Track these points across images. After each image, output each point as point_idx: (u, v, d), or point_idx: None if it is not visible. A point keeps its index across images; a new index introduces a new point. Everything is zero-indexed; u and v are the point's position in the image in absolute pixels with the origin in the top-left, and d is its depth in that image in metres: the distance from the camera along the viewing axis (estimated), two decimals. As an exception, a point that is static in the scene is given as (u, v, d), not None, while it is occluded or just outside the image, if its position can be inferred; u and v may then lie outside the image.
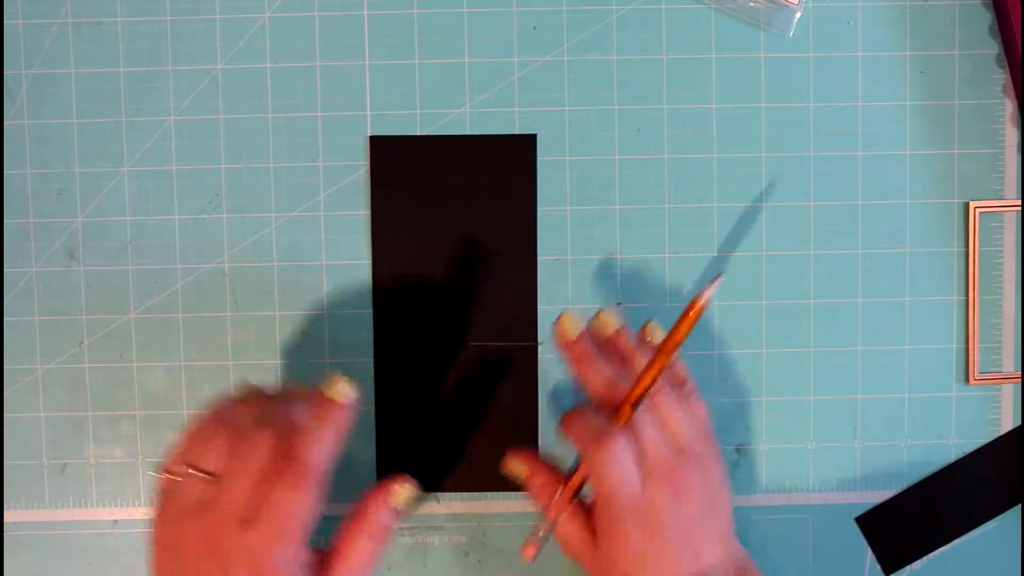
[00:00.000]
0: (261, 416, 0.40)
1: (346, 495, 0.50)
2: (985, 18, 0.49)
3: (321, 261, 0.49)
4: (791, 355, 0.49)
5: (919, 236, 0.49)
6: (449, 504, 0.50)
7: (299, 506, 0.38)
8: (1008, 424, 0.50)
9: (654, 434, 0.42)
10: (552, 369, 0.49)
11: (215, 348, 0.49)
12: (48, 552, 0.49)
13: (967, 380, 0.50)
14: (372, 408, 0.49)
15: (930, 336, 0.50)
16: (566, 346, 0.45)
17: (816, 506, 0.50)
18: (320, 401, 0.41)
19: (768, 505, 0.50)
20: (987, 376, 0.50)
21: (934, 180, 0.49)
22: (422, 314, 0.48)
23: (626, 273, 0.49)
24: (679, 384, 0.44)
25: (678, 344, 0.42)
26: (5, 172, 0.49)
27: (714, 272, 0.49)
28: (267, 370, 0.49)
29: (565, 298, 0.49)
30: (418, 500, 0.47)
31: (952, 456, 0.50)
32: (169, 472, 0.39)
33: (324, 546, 0.41)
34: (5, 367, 0.49)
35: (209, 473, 0.39)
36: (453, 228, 0.48)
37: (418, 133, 0.49)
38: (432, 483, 0.49)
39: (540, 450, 0.49)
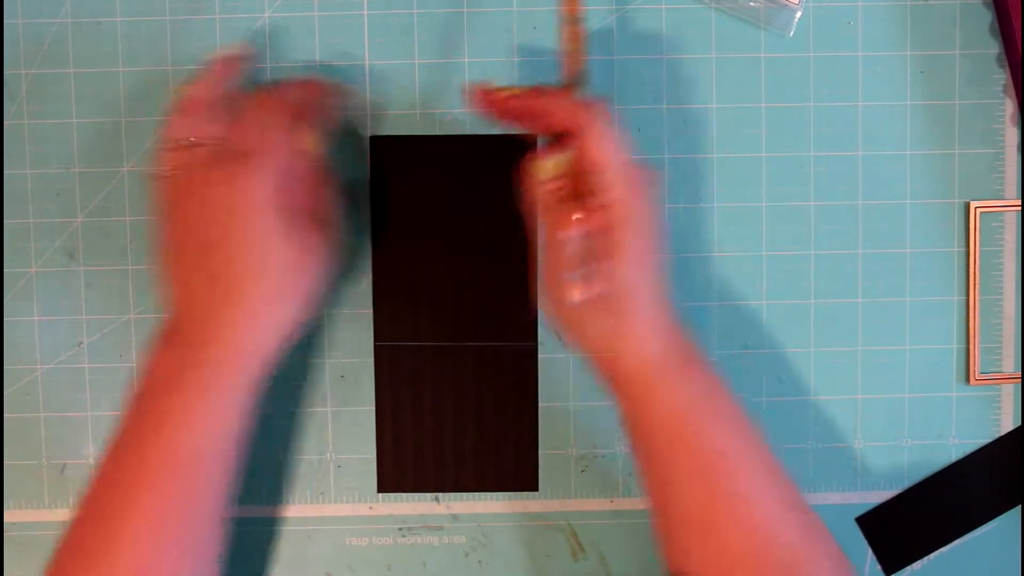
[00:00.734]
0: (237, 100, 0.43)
1: (348, 497, 0.50)
2: (985, 18, 0.49)
3: (321, 261, 0.49)
4: (791, 355, 0.49)
5: (919, 236, 0.49)
6: (449, 504, 0.50)
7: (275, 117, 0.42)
8: (1008, 424, 0.50)
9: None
10: (552, 369, 0.49)
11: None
12: (48, 552, 0.49)
13: (967, 380, 0.50)
14: (372, 408, 0.49)
15: (930, 336, 0.50)
16: (487, 99, 0.43)
17: (816, 506, 0.49)
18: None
19: (768, 505, 0.50)
20: (987, 376, 0.50)
21: (934, 180, 0.49)
22: (422, 314, 0.48)
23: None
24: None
25: (575, 13, 0.41)
26: (5, 172, 0.49)
27: None
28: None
29: (565, 298, 0.49)
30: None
31: (952, 456, 0.50)
32: (173, 145, 0.42)
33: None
34: (5, 367, 0.49)
35: (201, 139, 0.42)
36: (453, 228, 0.48)
37: (418, 133, 0.49)
38: (432, 484, 0.49)
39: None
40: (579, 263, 0.40)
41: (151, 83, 0.48)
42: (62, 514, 0.49)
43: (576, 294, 0.40)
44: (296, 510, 0.49)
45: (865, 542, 0.50)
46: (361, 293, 0.49)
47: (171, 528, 0.40)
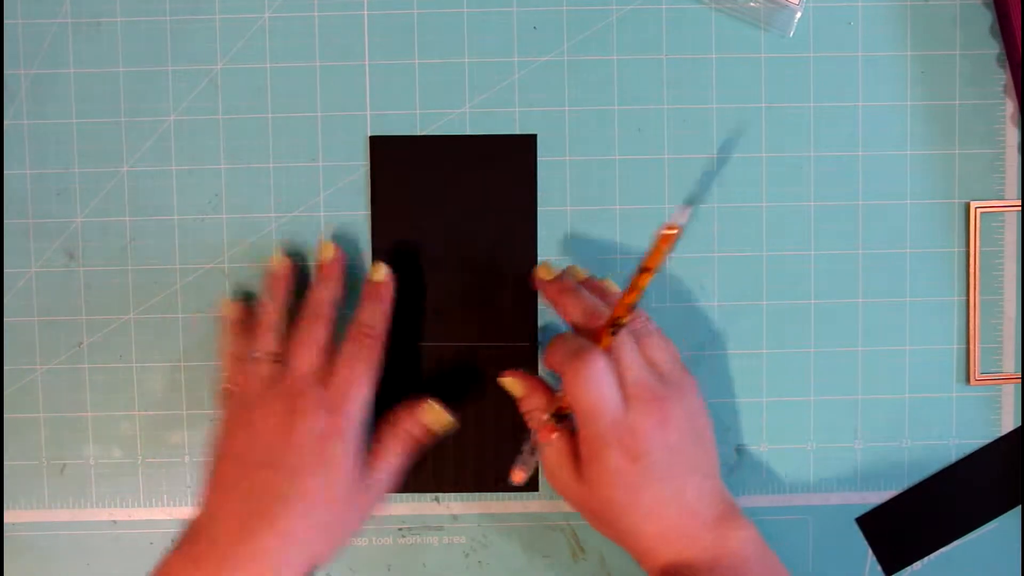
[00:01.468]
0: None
1: (346, 495, 0.50)
2: (985, 18, 0.49)
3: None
4: (791, 355, 0.49)
5: (919, 236, 0.49)
6: (449, 504, 0.50)
7: (367, 364, 0.44)
8: (1009, 424, 0.50)
9: (635, 359, 0.42)
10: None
11: (214, 348, 0.49)
12: (48, 552, 0.49)
13: (968, 380, 0.50)
14: (373, 408, 0.49)
15: (931, 336, 0.50)
16: (544, 285, 0.46)
17: (816, 506, 0.50)
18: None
19: (768, 505, 0.50)
20: (988, 376, 0.50)
21: (934, 180, 0.49)
22: (422, 314, 0.48)
23: (626, 273, 0.49)
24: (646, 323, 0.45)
25: (654, 267, 0.42)
26: (5, 172, 0.49)
27: (689, 203, 0.48)
28: (267, 370, 0.49)
29: (565, 298, 0.49)
30: (447, 428, 0.46)
31: (952, 457, 0.50)
32: (235, 360, 0.45)
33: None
34: (5, 367, 0.49)
35: (275, 354, 0.44)
36: (453, 228, 0.48)
37: (418, 133, 0.49)
38: (433, 484, 0.49)
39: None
40: (522, 456, 0.46)
41: (151, 83, 0.48)
42: (62, 514, 0.49)
43: (516, 479, 0.46)
44: (296, 510, 0.49)
45: (865, 543, 0.50)
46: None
47: None
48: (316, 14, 0.48)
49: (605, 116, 0.49)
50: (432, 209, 0.48)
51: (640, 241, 0.49)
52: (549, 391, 0.45)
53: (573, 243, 0.49)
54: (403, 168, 0.48)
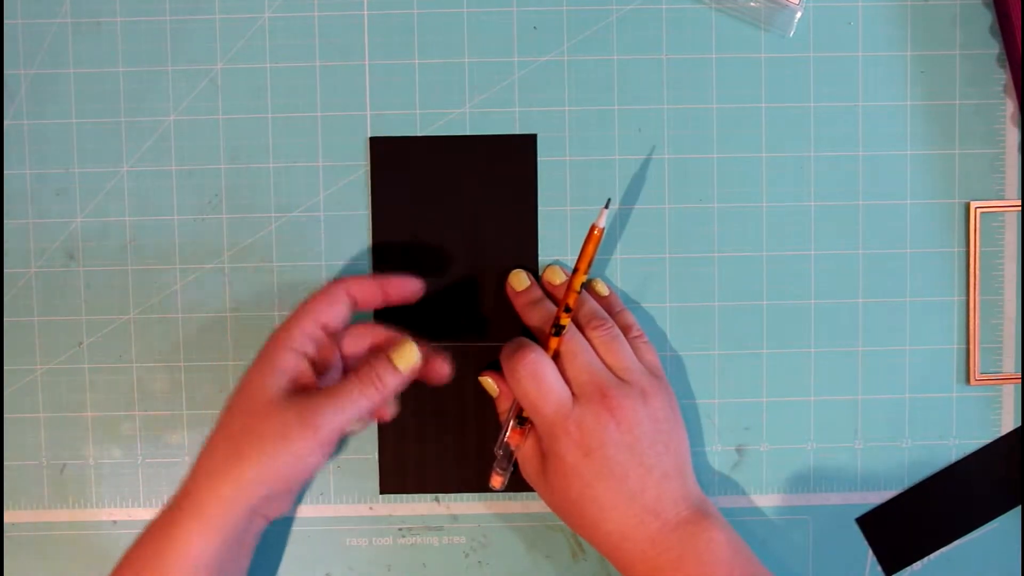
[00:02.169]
0: None
1: (348, 498, 0.50)
2: (985, 18, 0.49)
3: (321, 261, 0.49)
4: (791, 355, 0.49)
5: (919, 236, 0.49)
6: (449, 504, 0.50)
7: (317, 298, 0.43)
8: (1009, 424, 0.50)
9: (584, 358, 0.44)
10: None
11: (215, 348, 0.49)
12: (48, 552, 0.49)
13: (968, 380, 0.50)
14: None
15: (931, 336, 0.50)
16: (513, 296, 0.48)
17: (816, 506, 0.50)
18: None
19: (768, 505, 0.50)
20: (988, 377, 0.50)
21: (934, 180, 0.49)
22: (422, 314, 0.48)
23: (626, 273, 0.49)
24: (626, 329, 0.46)
25: (583, 268, 0.44)
26: (5, 172, 0.49)
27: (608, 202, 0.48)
28: (267, 370, 0.49)
29: (565, 298, 0.49)
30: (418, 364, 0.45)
31: (952, 456, 0.50)
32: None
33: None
34: (5, 367, 0.49)
35: None
36: (453, 228, 0.48)
37: (418, 133, 0.49)
38: (435, 485, 0.49)
39: None
40: (497, 460, 0.46)
41: (151, 83, 0.48)
42: (61, 514, 0.49)
43: (495, 485, 0.47)
44: (296, 510, 0.49)
45: (866, 543, 0.50)
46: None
47: None
48: (316, 14, 0.48)
49: (605, 116, 0.49)
50: (432, 209, 0.48)
51: (640, 241, 0.49)
52: None
53: (573, 243, 0.49)
54: (403, 168, 0.48)
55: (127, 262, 0.49)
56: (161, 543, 0.41)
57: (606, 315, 0.46)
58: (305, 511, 0.49)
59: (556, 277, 0.48)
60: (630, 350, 0.45)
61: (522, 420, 0.45)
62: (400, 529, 0.50)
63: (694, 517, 0.43)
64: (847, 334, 0.49)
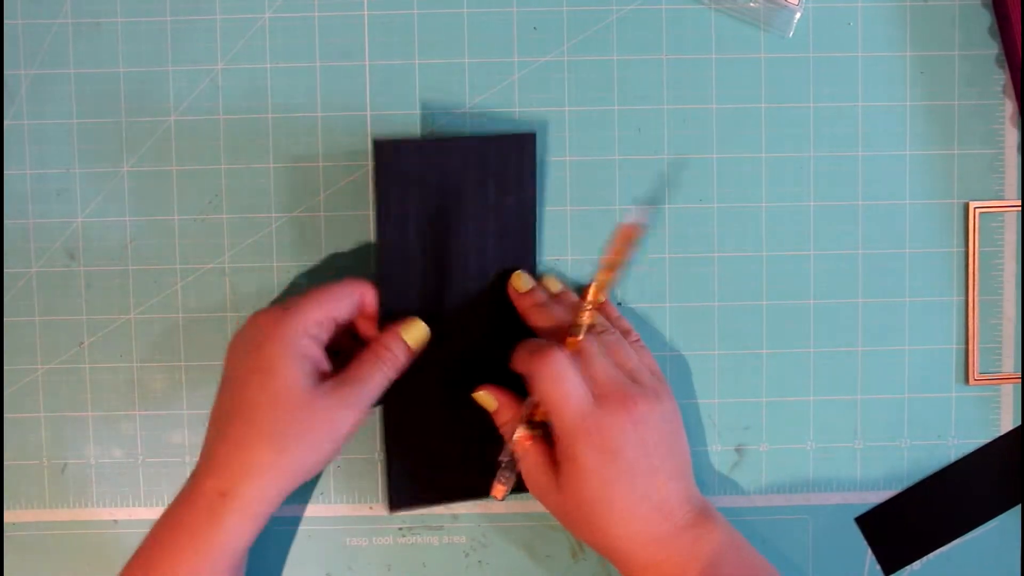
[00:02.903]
0: None
1: (348, 498, 0.50)
2: (985, 18, 0.49)
3: (321, 261, 0.49)
4: (791, 355, 0.49)
5: (919, 236, 0.49)
6: (449, 504, 0.50)
7: (327, 290, 0.44)
8: (1008, 424, 0.50)
9: (602, 360, 0.44)
10: None
11: (215, 348, 0.49)
12: (48, 552, 0.49)
13: (967, 380, 0.50)
14: (379, 411, 0.49)
15: (930, 336, 0.50)
16: (517, 297, 0.47)
17: (816, 506, 0.50)
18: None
19: (768, 505, 0.50)
20: (987, 376, 0.50)
21: (934, 180, 0.49)
22: (423, 315, 0.48)
23: (626, 273, 0.49)
24: (625, 334, 0.47)
25: (616, 264, 0.43)
26: (5, 172, 0.49)
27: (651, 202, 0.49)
28: (267, 370, 0.49)
29: (565, 298, 0.49)
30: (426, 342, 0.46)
31: (952, 456, 0.50)
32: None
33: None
34: (5, 367, 0.49)
35: None
36: (453, 228, 0.48)
37: (418, 133, 0.49)
38: (441, 490, 0.48)
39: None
40: (501, 470, 0.46)
41: (151, 83, 0.48)
42: (62, 514, 0.49)
43: (497, 494, 0.46)
44: (296, 510, 0.49)
45: (865, 542, 0.50)
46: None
47: None
48: (316, 14, 0.48)
49: (605, 116, 0.49)
50: (433, 210, 0.47)
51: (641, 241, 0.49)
52: (520, 403, 0.46)
53: (573, 243, 0.49)
54: (405, 170, 0.47)
55: (127, 262, 0.49)
56: (202, 534, 0.42)
57: (607, 321, 0.46)
58: (305, 511, 0.50)
59: (554, 286, 0.48)
60: (634, 353, 0.45)
61: (534, 425, 0.44)
62: (400, 529, 0.50)
63: (700, 517, 0.43)
64: (847, 334, 0.49)
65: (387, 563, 0.50)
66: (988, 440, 0.50)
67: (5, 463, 0.49)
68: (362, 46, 0.49)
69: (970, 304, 0.50)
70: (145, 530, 0.49)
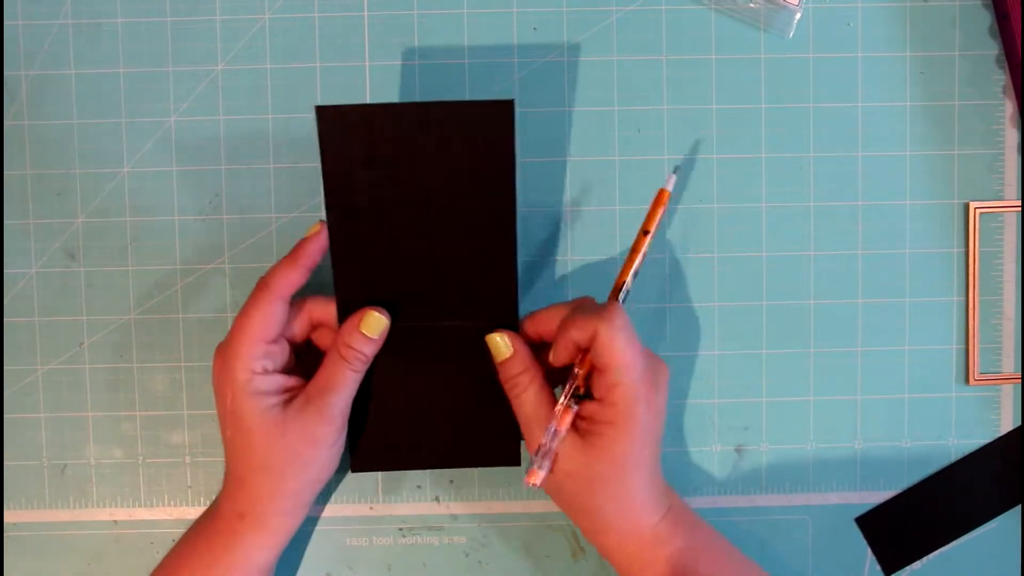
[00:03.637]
0: None
1: (348, 498, 0.50)
2: (985, 19, 0.49)
3: (321, 261, 0.49)
4: (791, 355, 0.49)
5: (919, 236, 0.49)
6: (449, 505, 0.50)
7: (251, 316, 0.43)
8: (1008, 424, 0.50)
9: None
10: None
11: (215, 348, 0.49)
12: (48, 552, 0.49)
13: (967, 380, 0.50)
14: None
15: (930, 336, 0.50)
16: (498, 366, 0.45)
17: (816, 506, 0.50)
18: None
19: (768, 505, 0.50)
20: (987, 376, 0.50)
21: (934, 180, 0.49)
22: (391, 296, 0.45)
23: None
24: None
25: (651, 230, 0.45)
26: (5, 173, 0.49)
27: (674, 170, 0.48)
28: (267, 370, 0.49)
29: (562, 299, 0.49)
30: (387, 329, 0.44)
31: (952, 456, 0.50)
32: None
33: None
34: (5, 367, 0.49)
35: None
36: (419, 205, 0.44)
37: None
38: (407, 455, 0.47)
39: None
40: (540, 454, 0.43)
41: (152, 84, 0.49)
42: (62, 514, 0.49)
43: (534, 480, 0.43)
44: (296, 510, 0.50)
45: (865, 542, 0.50)
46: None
47: None
48: (316, 14, 0.49)
49: (605, 116, 0.49)
50: (395, 183, 0.44)
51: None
52: (534, 357, 0.44)
53: (573, 243, 0.49)
54: (358, 140, 0.43)
55: (128, 262, 0.49)
56: (222, 549, 0.44)
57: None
58: (305, 511, 0.50)
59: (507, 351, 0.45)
60: None
61: (579, 397, 0.43)
62: (400, 529, 0.50)
63: (668, 489, 0.45)
64: (847, 334, 0.49)
65: (387, 563, 0.50)
66: (988, 440, 0.50)
67: (5, 463, 0.49)
68: (362, 46, 0.49)
69: (970, 304, 0.50)
70: (145, 530, 0.49)
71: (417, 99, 0.49)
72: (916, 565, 0.50)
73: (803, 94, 0.49)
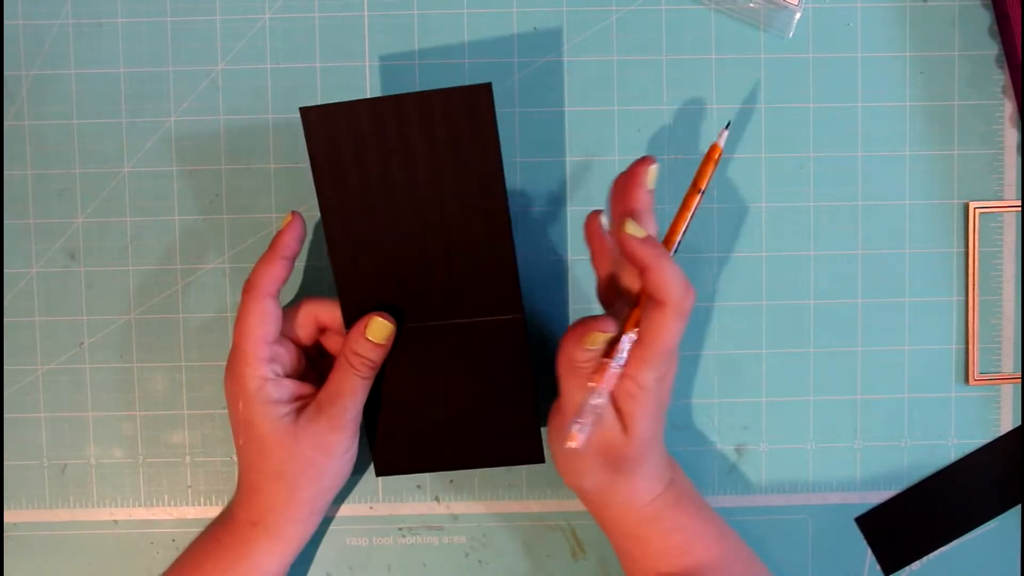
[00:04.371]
0: None
1: (348, 498, 0.50)
2: (985, 19, 0.49)
3: (322, 262, 0.49)
4: (791, 355, 0.50)
5: (919, 236, 0.49)
6: (449, 504, 0.50)
7: (246, 319, 0.43)
8: (1008, 424, 0.50)
9: None
10: (543, 342, 0.48)
11: (215, 348, 0.49)
12: (48, 552, 0.49)
13: (967, 380, 0.50)
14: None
15: (930, 336, 0.50)
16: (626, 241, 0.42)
17: (816, 506, 0.50)
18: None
19: (768, 505, 0.50)
20: (987, 376, 0.50)
21: (934, 180, 0.49)
22: (393, 296, 0.44)
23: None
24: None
25: (702, 187, 0.44)
26: (5, 172, 0.49)
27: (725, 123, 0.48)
28: (267, 370, 0.49)
29: (563, 299, 0.49)
30: (392, 334, 0.44)
31: (952, 456, 0.50)
32: None
33: None
34: (5, 367, 0.49)
35: None
36: (414, 199, 0.43)
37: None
38: (429, 458, 0.46)
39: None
40: (582, 414, 0.42)
41: (152, 84, 0.49)
42: (62, 514, 0.49)
43: (574, 441, 0.42)
44: (296, 510, 0.50)
45: (865, 542, 0.50)
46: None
47: None
48: (316, 14, 0.49)
49: (605, 116, 0.49)
50: (389, 180, 0.43)
51: (640, 241, 0.49)
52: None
53: (573, 243, 0.49)
54: (347, 138, 0.42)
55: (128, 262, 0.49)
56: (234, 556, 0.45)
57: None
58: (305, 511, 0.50)
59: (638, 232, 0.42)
60: None
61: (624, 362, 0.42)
62: (400, 529, 0.50)
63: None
64: (846, 334, 0.50)
65: (387, 563, 0.50)
66: (988, 440, 0.50)
67: (5, 463, 0.49)
68: (362, 46, 0.49)
69: (970, 304, 0.50)
70: (145, 530, 0.49)
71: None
72: (916, 565, 0.50)
73: (803, 94, 0.49)
